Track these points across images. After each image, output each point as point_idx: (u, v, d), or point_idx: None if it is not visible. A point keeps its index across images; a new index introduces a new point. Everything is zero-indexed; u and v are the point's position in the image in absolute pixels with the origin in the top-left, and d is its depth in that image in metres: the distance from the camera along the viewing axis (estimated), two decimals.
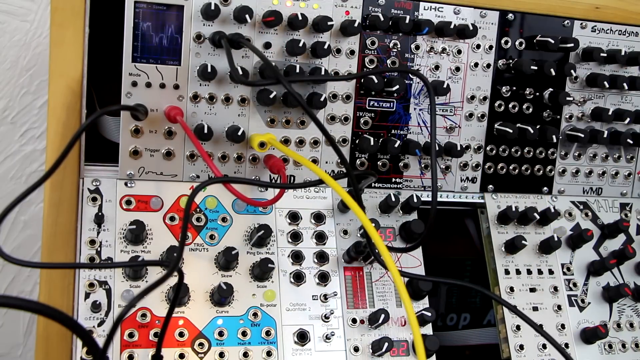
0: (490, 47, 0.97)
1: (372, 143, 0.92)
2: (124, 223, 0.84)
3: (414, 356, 0.88)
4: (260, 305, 0.85)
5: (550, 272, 0.99)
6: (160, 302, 0.82)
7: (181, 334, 0.81)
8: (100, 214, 0.83)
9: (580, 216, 1.04)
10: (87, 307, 0.80)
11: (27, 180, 1.24)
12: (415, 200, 0.93)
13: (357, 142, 0.94)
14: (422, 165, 0.97)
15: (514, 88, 0.99)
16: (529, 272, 0.98)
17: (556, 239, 0.97)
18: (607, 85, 1.00)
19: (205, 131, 0.85)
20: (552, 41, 0.97)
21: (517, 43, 0.98)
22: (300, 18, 0.86)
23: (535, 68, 0.96)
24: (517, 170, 1.01)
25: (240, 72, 0.84)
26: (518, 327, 0.94)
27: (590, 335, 0.96)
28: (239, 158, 0.90)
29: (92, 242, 0.83)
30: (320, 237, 0.90)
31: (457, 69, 0.96)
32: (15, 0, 1.17)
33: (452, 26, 0.93)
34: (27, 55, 1.19)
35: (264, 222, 0.88)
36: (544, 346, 0.94)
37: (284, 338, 0.85)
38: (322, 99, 0.89)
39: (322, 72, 0.89)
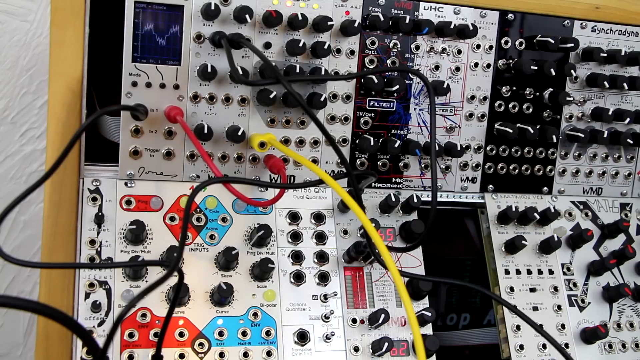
0: (490, 47, 0.97)
1: (372, 143, 0.92)
2: (124, 223, 0.84)
3: (414, 356, 0.88)
4: (260, 305, 0.85)
5: (550, 272, 0.99)
6: (160, 302, 0.82)
7: (181, 334, 0.81)
8: (100, 214, 0.83)
9: (580, 216, 1.03)
10: (87, 307, 0.80)
11: (27, 180, 1.23)
12: (415, 200, 0.93)
13: (357, 142, 0.94)
14: (422, 165, 0.97)
15: (514, 88, 0.99)
16: (529, 272, 0.98)
17: (556, 239, 0.97)
18: (607, 85, 1.00)
19: (205, 131, 0.85)
20: (552, 41, 0.97)
21: (517, 43, 0.98)
22: (300, 18, 0.86)
23: (535, 68, 0.96)
24: (517, 170, 1.01)
25: (241, 72, 0.84)
26: (518, 327, 0.94)
27: (590, 335, 0.96)
28: (239, 158, 0.90)
29: (92, 242, 0.83)
30: (320, 237, 0.90)
31: (457, 69, 0.96)
32: (15, 0, 1.17)
33: (452, 26, 0.93)
34: (27, 55, 1.19)
35: (264, 222, 0.88)
36: (544, 346, 0.94)
37: (284, 338, 0.85)
38: (322, 99, 0.89)
39: (322, 72, 0.89)
